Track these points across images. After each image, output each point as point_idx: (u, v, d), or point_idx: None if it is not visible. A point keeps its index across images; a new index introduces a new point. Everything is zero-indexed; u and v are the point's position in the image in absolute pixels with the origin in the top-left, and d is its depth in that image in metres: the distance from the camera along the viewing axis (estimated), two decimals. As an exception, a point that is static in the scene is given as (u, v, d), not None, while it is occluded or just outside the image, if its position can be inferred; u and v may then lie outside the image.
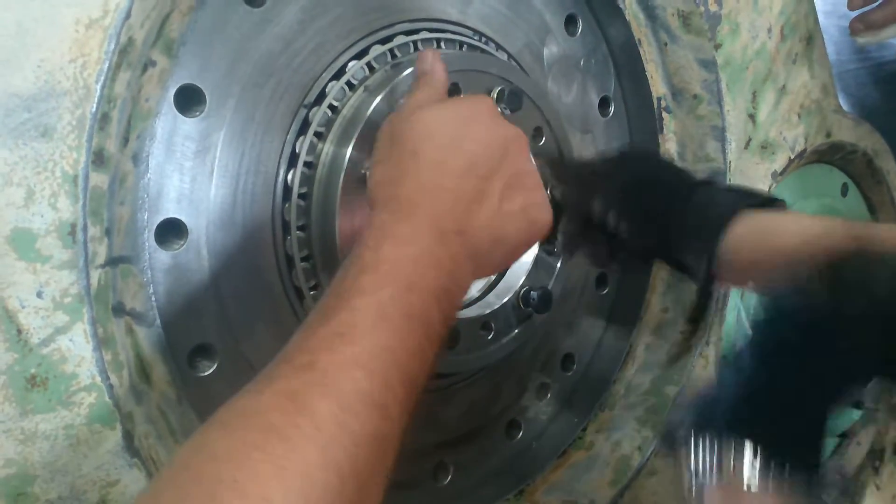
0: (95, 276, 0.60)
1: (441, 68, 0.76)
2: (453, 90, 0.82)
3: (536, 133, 0.90)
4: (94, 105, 0.58)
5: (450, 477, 0.94)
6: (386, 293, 0.59)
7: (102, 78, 0.58)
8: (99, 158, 0.59)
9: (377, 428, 0.54)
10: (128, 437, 0.62)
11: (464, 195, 0.67)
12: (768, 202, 0.85)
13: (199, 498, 0.47)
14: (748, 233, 0.81)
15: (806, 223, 0.81)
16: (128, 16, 0.58)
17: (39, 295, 0.57)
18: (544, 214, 0.74)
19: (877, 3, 1.27)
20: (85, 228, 0.58)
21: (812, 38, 1.15)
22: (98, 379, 0.60)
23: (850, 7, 1.28)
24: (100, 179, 0.60)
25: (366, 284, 0.59)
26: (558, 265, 0.94)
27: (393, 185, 0.67)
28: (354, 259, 0.62)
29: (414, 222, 0.64)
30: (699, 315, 0.92)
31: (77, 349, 0.59)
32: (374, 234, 0.64)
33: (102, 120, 0.59)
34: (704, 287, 0.87)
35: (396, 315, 0.58)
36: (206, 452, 0.50)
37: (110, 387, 0.61)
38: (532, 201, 0.73)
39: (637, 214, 0.87)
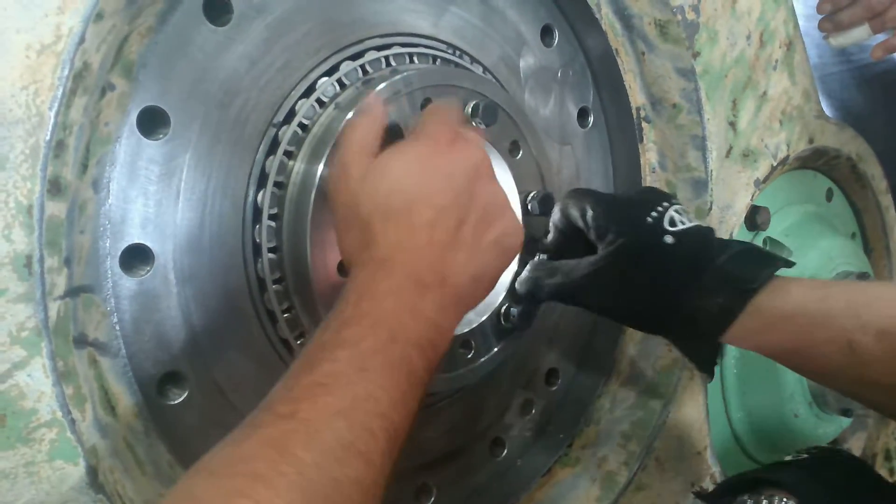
0: (54, 307, 0.59)
1: (381, 108, 0.75)
2: (426, 105, 0.81)
3: (513, 147, 0.89)
4: (49, 132, 0.56)
5: (432, 499, 0.92)
6: (367, 344, 0.60)
7: (56, 104, 0.56)
8: (55, 187, 0.58)
9: (360, 475, 0.55)
10: (91, 472, 0.60)
11: (438, 246, 0.67)
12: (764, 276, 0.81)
13: None
14: (747, 332, 0.79)
15: (806, 314, 0.78)
16: (82, 40, 0.57)
17: (-6, 330, 0.55)
18: (517, 238, 0.74)
19: (844, 5, 1.27)
20: (41, 259, 0.57)
21: (792, 43, 1.14)
22: (59, 414, 0.58)
23: (819, 10, 1.28)
24: (57, 208, 0.58)
25: (347, 336, 0.61)
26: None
27: (366, 249, 0.67)
28: (336, 314, 0.63)
29: (393, 279, 0.65)
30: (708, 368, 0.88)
31: (36, 384, 0.57)
32: (355, 290, 0.65)
33: (58, 147, 0.57)
34: (706, 364, 0.86)
35: (378, 365, 0.60)
36: (192, 499, 0.52)
37: (72, 421, 0.59)
38: (504, 229, 0.73)
39: (624, 300, 0.85)
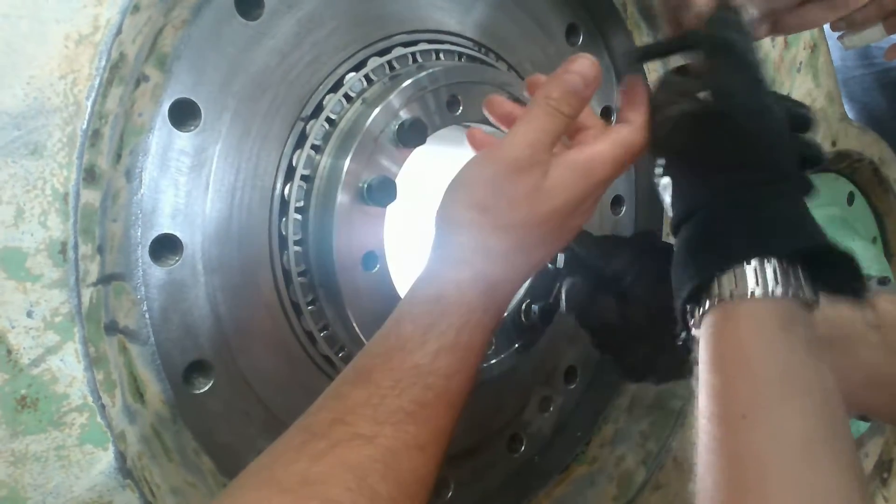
0: (87, 294, 0.59)
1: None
2: (451, 101, 0.81)
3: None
4: (85, 122, 0.57)
5: (451, 493, 0.92)
6: (459, 381, 0.60)
7: (93, 94, 0.57)
8: (90, 175, 0.59)
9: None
10: (120, 457, 0.61)
11: (524, 278, 0.69)
12: None
13: None
14: None
15: None
16: (119, 31, 0.58)
17: (30, 314, 0.56)
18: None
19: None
20: (76, 246, 0.58)
21: (816, 45, 1.14)
22: (90, 399, 0.59)
23: None
24: (91, 196, 0.59)
25: (443, 367, 0.59)
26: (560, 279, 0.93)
27: (477, 261, 0.64)
28: (437, 330, 0.61)
29: (493, 312, 0.64)
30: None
31: (68, 369, 0.58)
32: (463, 311, 0.62)
33: (94, 136, 0.58)
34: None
35: (460, 402, 0.61)
36: None
37: (102, 407, 0.60)
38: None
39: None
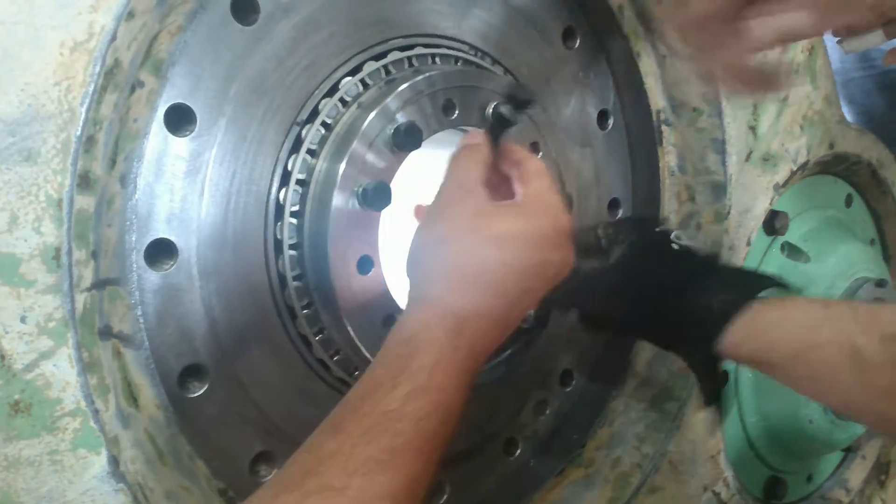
0: (81, 299, 0.60)
1: (487, 147, 0.76)
2: (447, 105, 0.81)
3: (533, 148, 0.89)
4: (80, 128, 0.57)
5: (446, 496, 0.93)
6: (430, 424, 0.60)
7: (88, 100, 0.57)
8: (84, 181, 0.59)
9: None
10: (113, 462, 0.61)
11: (505, 324, 0.69)
12: (768, 283, 0.82)
13: None
14: (749, 333, 0.78)
15: (809, 317, 0.77)
16: (113, 38, 0.58)
17: (23, 320, 0.56)
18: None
19: None
20: (70, 252, 0.58)
21: (814, 48, 1.13)
22: (83, 404, 0.59)
23: None
24: (86, 202, 0.60)
25: (413, 411, 0.60)
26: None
27: (451, 291, 0.66)
28: (407, 373, 0.61)
29: (463, 352, 0.64)
30: (712, 399, 0.88)
31: (62, 374, 0.58)
32: (432, 350, 0.63)
33: (88, 142, 0.58)
34: (708, 386, 0.85)
35: (430, 449, 0.60)
36: None
37: (95, 411, 0.60)
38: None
39: (631, 300, 0.86)
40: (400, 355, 0.63)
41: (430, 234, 0.70)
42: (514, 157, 0.77)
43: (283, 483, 0.57)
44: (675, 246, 0.84)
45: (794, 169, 1.15)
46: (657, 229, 0.85)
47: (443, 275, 0.67)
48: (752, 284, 0.81)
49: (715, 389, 0.85)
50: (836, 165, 1.30)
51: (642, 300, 0.85)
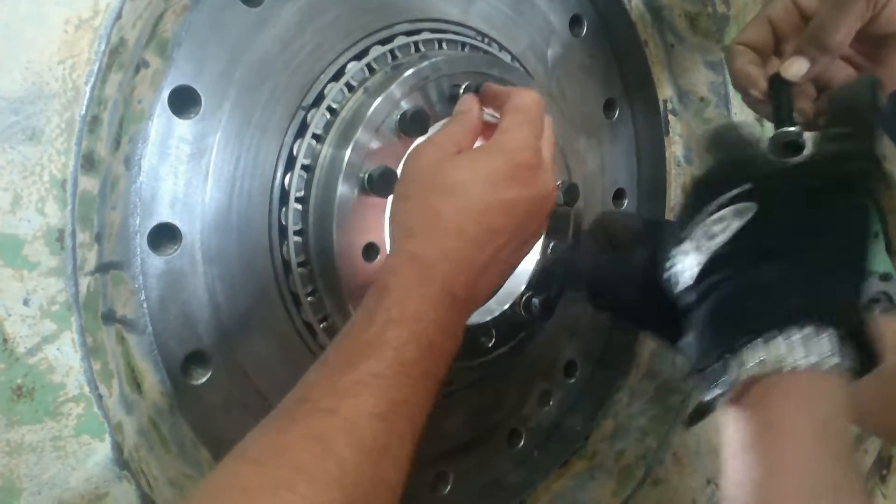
0: (84, 283, 0.59)
1: (478, 112, 0.76)
2: (453, 91, 0.80)
3: (539, 136, 0.88)
4: (84, 107, 0.56)
5: (449, 487, 0.92)
6: (410, 350, 0.62)
7: (92, 79, 0.56)
8: (88, 162, 0.58)
9: (391, 478, 0.58)
10: (117, 448, 0.60)
11: (477, 266, 0.68)
12: None
13: None
14: None
15: None
16: (119, 16, 0.57)
17: (26, 303, 0.55)
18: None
19: None
20: (73, 234, 0.57)
21: (821, 40, 1.13)
22: (86, 389, 0.59)
23: None
24: (90, 184, 0.59)
25: (392, 339, 0.62)
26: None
27: (414, 237, 0.68)
28: (381, 308, 0.64)
29: (433, 286, 0.66)
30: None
31: (65, 358, 0.57)
32: (400, 287, 0.65)
33: (92, 122, 0.57)
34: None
35: (416, 373, 0.61)
36: (237, 486, 0.53)
37: (99, 397, 0.59)
38: (529, 250, 0.75)
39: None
40: (375, 298, 0.65)
41: (399, 191, 0.72)
42: (500, 96, 0.76)
43: (274, 414, 0.59)
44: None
45: (800, 160, 1.14)
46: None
47: (407, 228, 0.68)
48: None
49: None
50: (840, 158, 1.29)
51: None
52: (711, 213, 0.65)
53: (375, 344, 0.61)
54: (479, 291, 0.70)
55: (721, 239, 0.64)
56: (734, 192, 0.65)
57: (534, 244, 0.76)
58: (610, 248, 0.84)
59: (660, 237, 0.78)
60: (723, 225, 0.64)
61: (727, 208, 0.65)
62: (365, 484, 0.55)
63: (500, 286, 0.75)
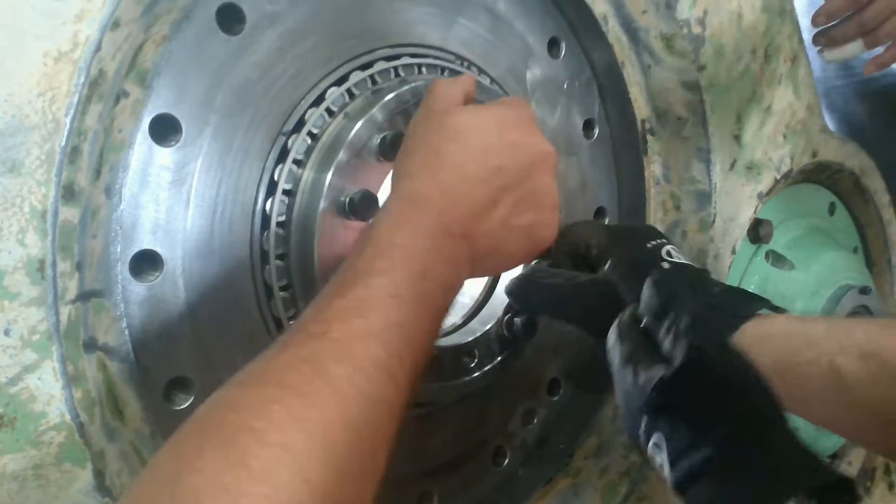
0: (65, 311, 0.59)
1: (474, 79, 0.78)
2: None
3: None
4: (64, 139, 0.57)
5: (434, 506, 0.92)
6: (400, 275, 0.62)
7: (72, 111, 0.57)
8: (69, 192, 0.58)
9: (389, 395, 0.57)
10: (99, 475, 0.61)
11: (475, 202, 0.69)
12: (756, 305, 0.78)
13: (220, 443, 0.49)
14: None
15: (788, 337, 0.72)
16: (98, 48, 0.57)
17: (7, 333, 0.56)
18: (548, 234, 0.76)
19: (837, 20, 1.28)
20: (54, 264, 0.57)
21: (797, 58, 1.15)
22: (68, 417, 0.59)
23: (814, 24, 1.29)
24: (70, 213, 0.59)
25: (380, 266, 0.62)
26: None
27: (413, 178, 0.69)
28: (369, 241, 0.65)
29: (426, 218, 0.66)
30: None
31: (46, 387, 0.58)
32: (390, 220, 0.66)
33: (72, 153, 0.58)
34: None
35: (409, 296, 0.61)
36: (225, 405, 0.53)
37: (81, 425, 0.60)
38: (540, 221, 0.74)
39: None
40: (366, 234, 0.66)
41: (402, 147, 0.73)
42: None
43: (270, 346, 0.58)
44: (665, 265, 0.82)
45: (778, 177, 1.16)
46: (649, 244, 0.83)
47: (407, 173, 0.70)
48: (738, 307, 0.77)
49: None
50: (819, 174, 1.31)
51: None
52: None
53: (364, 273, 0.61)
54: (478, 235, 0.69)
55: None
56: None
57: (548, 208, 0.75)
58: (579, 265, 0.84)
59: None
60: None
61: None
62: (361, 400, 0.54)
63: (508, 252, 0.73)
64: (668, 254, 0.82)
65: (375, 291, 0.60)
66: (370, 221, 0.69)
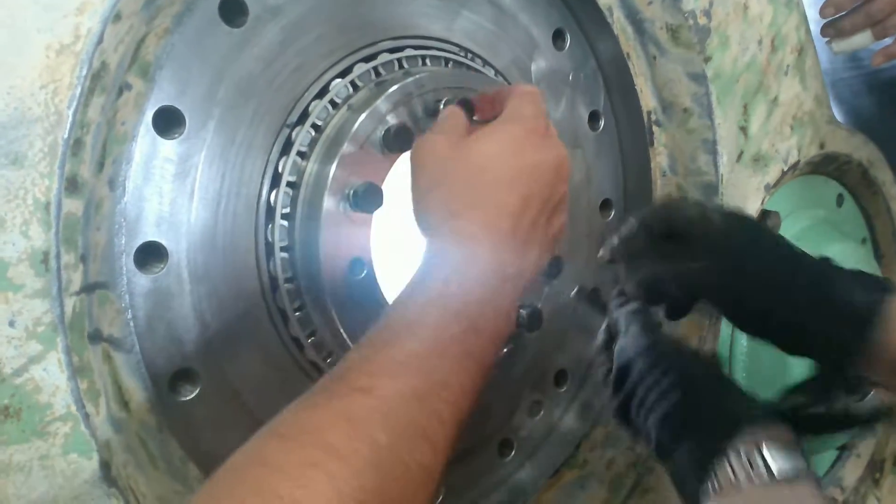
0: (70, 303, 0.59)
1: (462, 112, 0.77)
2: (437, 107, 0.81)
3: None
4: (67, 131, 0.57)
5: (441, 498, 0.92)
6: (451, 331, 0.60)
7: (75, 103, 0.57)
8: (72, 185, 0.58)
9: (427, 461, 0.56)
10: (105, 466, 0.61)
11: (521, 237, 0.68)
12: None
13: None
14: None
15: None
16: (100, 40, 0.58)
17: (12, 324, 0.56)
18: (562, 232, 0.76)
19: (846, 11, 1.27)
20: (58, 256, 0.58)
21: (804, 48, 1.14)
22: (73, 408, 0.59)
23: (822, 15, 1.29)
24: (74, 206, 0.59)
25: (432, 319, 0.61)
26: (546, 283, 0.94)
27: (454, 217, 0.67)
28: (422, 288, 0.64)
29: (481, 264, 0.65)
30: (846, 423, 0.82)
31: (51, 378, 0.58)
32: (441, 265, 0.65)
33: (75, 146, 0.58)
34: (852, 390, 0.80)
35: (458, 354, 0.60)
36: (266, 463, 0.51)
37: (86, 416, 0.60)
38: (562, 226, 0.75)
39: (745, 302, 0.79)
40: (414, 283, 0.65)
41: (423, 183, 0.71)
42: (500, 91, 0.78)
43: (311, 390, 0.57)
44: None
45: (785, 169, 1.15)
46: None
47: (449, 212, 0.67)
48: (883, 282, 0.77)
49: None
50: (826, 165, 1.30)
51: (754, 299, 0.79)
52: None
53: (414, 324, 0.60)
54: (527, 264, 0.69)
55: None
56: None
57: (564, 211, 0.75)
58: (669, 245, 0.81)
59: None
60: None
61: None
62: (400, 467, 0.53)
63: (546, 259, 0.73)
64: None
65: (424, 347, 0.59)
66: (423, 259, 0.68)
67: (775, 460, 0.64)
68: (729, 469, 0.64)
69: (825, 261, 0.80)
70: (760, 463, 0.63)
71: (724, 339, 1.12)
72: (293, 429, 0.54)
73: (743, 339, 1.14)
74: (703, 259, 0.79)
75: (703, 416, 0.71)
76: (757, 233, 0.82)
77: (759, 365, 1.15)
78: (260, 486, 0.49)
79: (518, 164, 0.69)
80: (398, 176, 0.81)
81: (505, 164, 0.69)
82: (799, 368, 1.13)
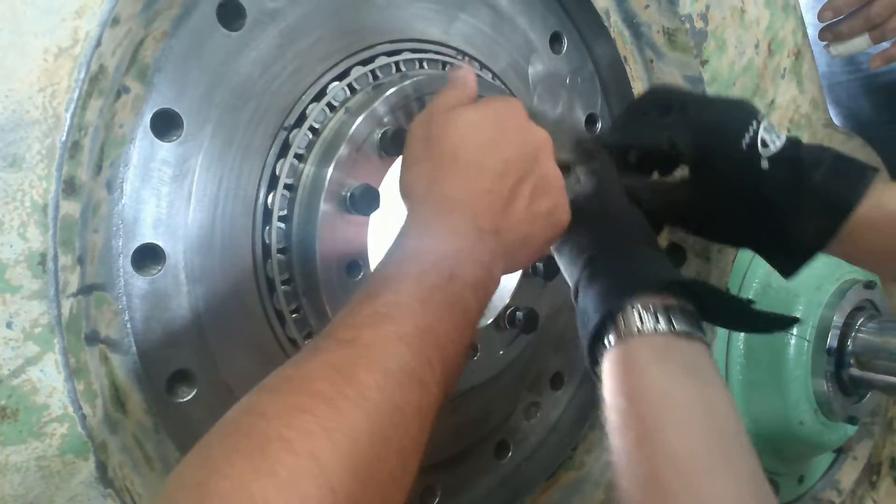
0: (67, 305, 0.60)
1: (472, 77, 0.78)
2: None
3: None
4: (64, 134, 0.57)
5: (437, 500, 0.93)
6: (429, 279, 0.62)
7: (73, 106, 0.57)
8: (70, 187, 0.59)
9: (419, 401, 0.56)
10: (101, 467, 0.61)
11: (499, 196, 0.70)
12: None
13: (248, 450, 0.49)
14: (880, 215, 0.77)
15: None
16: (98, 44, 0.58)
17: (9, 325, 0.56)
18: (565, 217, 0.77)
19: (844, 15, 1.28)
20: (55, 258, 0.58)
21: (800, 52, 1.14)
22: (70, 409, 0.59)
23: (820, 18, 1.29)
24: (71, 208, 0.60)
25: (410, 271, 0.62)
26: (543, 285, 0.94)
27: (433, 182, 0.70)
28: (397, 248, 0.66)
29: (455, 218, 0.67)
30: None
31: (48, 379, 0.58)
32: (417, 226, 0.68)
33: (73, 148, 0.58)
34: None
35: (438, 300, 0.61)
36: (255, 412, 0.52)
37: (83, 417, 0.60)
38: (556, 204, 0.75)
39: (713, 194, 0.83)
40: (393, 245, 0.67)
41: (413, 156, 0.73)
42: None
43: (301, 351, 0.59)
44: (764, 164, 0.78)
45: (782, 171, 1.15)
46: (743, 144, 0.79)
47: (432, 178, 0.70)
48: (844, 195, 0.78)
49: (797, 270, 0.85)
50: (823, 168, 1.30)
51: (727, 224, 0.84)
52: None
53: (393, 278, 0.62)
54: (508, 228, 0.70)
55: None
56: None
57: (556, 196, 0.75)
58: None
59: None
60: None
61: None
62: (389, 406, 0.54)
63: (536, 238, 0.74)
64: (764, 142, 0.79)
65: (404, 297, 0.60)
66: (400, 228, 0.69)
67: (678, 322, 0.67)
68: (636, 316, 0.67)
69: (797, 144, 0.82)
70: (664, 319, 0.67)
71: (720, 341, 1.13)
72: (281, 382, 0.55)
73: (739, 342, 1.15)
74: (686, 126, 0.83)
75: (623, 269, 0.74)
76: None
77: (755, 377, 1.15)
78: (250, 430, 0.50)
79: (499, 131, 0.72)
80: (395, 179, 0.81)
81: (486, 130, 0.71)
82: (797, 370, 1.14)
